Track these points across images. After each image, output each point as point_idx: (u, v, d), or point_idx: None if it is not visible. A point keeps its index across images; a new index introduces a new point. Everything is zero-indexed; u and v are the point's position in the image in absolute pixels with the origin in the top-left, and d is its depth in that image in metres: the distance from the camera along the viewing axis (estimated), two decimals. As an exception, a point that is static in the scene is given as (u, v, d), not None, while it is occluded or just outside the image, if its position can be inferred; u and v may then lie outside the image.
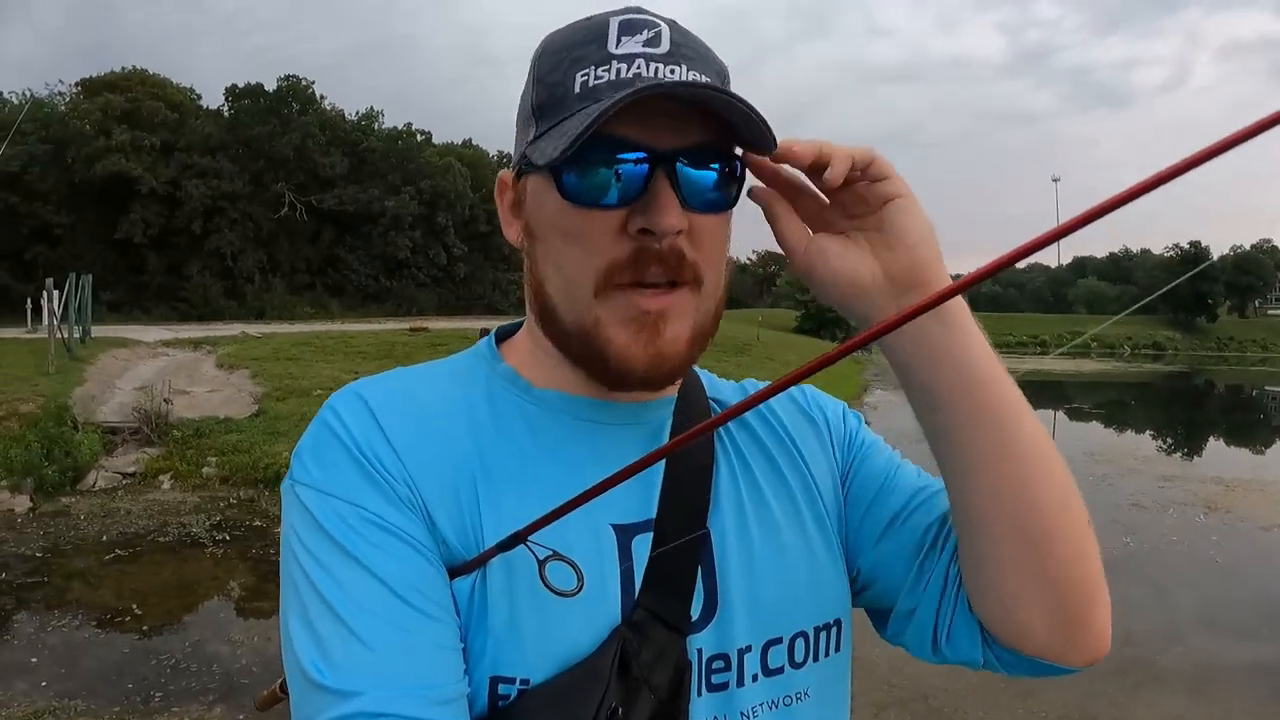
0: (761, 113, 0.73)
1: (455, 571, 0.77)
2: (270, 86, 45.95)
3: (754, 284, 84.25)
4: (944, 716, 5.24)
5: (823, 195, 0.84)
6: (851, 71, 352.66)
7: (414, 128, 52.33)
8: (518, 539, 0.73)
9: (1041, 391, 29.12)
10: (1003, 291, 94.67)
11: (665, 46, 0.77)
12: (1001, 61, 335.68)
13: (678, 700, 0.78)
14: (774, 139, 0.76)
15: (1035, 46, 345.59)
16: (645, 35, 0.78)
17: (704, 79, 0.77)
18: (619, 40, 0.78)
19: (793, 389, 1.00)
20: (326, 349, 19.65)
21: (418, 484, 0.78)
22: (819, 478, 0.95)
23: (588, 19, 0.82)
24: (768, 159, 0.79)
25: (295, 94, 46.27)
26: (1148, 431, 20.90)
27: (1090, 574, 0.82)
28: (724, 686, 0.82)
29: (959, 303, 0.80)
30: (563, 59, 0.79)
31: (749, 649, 0.84)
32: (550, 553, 0.74)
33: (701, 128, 0.77)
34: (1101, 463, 14.74)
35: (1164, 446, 18.31)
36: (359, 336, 21.77)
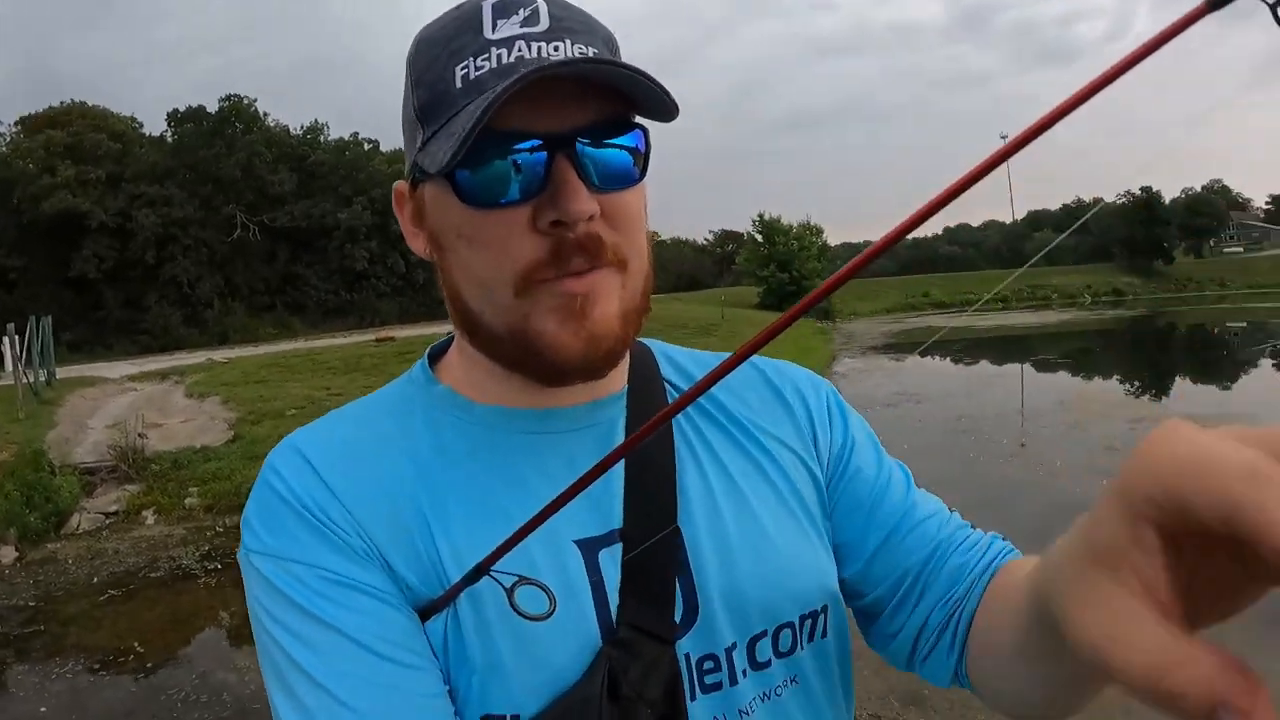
0: (654, 76, 0.70)
1: (424, 613, 0.74)
2: (212, 108, 45.43)
3: (713, 264, 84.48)
4: (942, 705, 5.33)
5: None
6: (798, 46, 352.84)
7: (361, 137, 51.91)
8: (481, 570, 0.69)
9: (1008, 346, 29.41)
10: (961, 251, 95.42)
11: (544, 23, 0.73)
12: (941, 25, 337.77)
13: (674, 707, 0.76)
14: (674, 104, 0.72)
15: (973, 7, 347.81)
16: (522, 15, 0.73)
17: (590, 51, 0.73)
18: (494, 24, 0.73)
19: (765, 366, 0.97)
20: (294, 368, 19.45)
21: (369, 531, 0.75)
22: (793, 462, 0.91)
23: (457, 7, 0.77)
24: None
25: (238, 113, 45.69)
26: (1115, 376, 21.05)
27: None
28: (718, 686, 0.80)
29: None
30: (439, 54, 0.75)
31: (734, 646, 0.81)
32: (516, 578, 0.70)
33: (597, 103, 0.72)
34: (1072, 410, 14.92)
35: (1132, 390, 18.47)
36: (326, 352, 21.58)
